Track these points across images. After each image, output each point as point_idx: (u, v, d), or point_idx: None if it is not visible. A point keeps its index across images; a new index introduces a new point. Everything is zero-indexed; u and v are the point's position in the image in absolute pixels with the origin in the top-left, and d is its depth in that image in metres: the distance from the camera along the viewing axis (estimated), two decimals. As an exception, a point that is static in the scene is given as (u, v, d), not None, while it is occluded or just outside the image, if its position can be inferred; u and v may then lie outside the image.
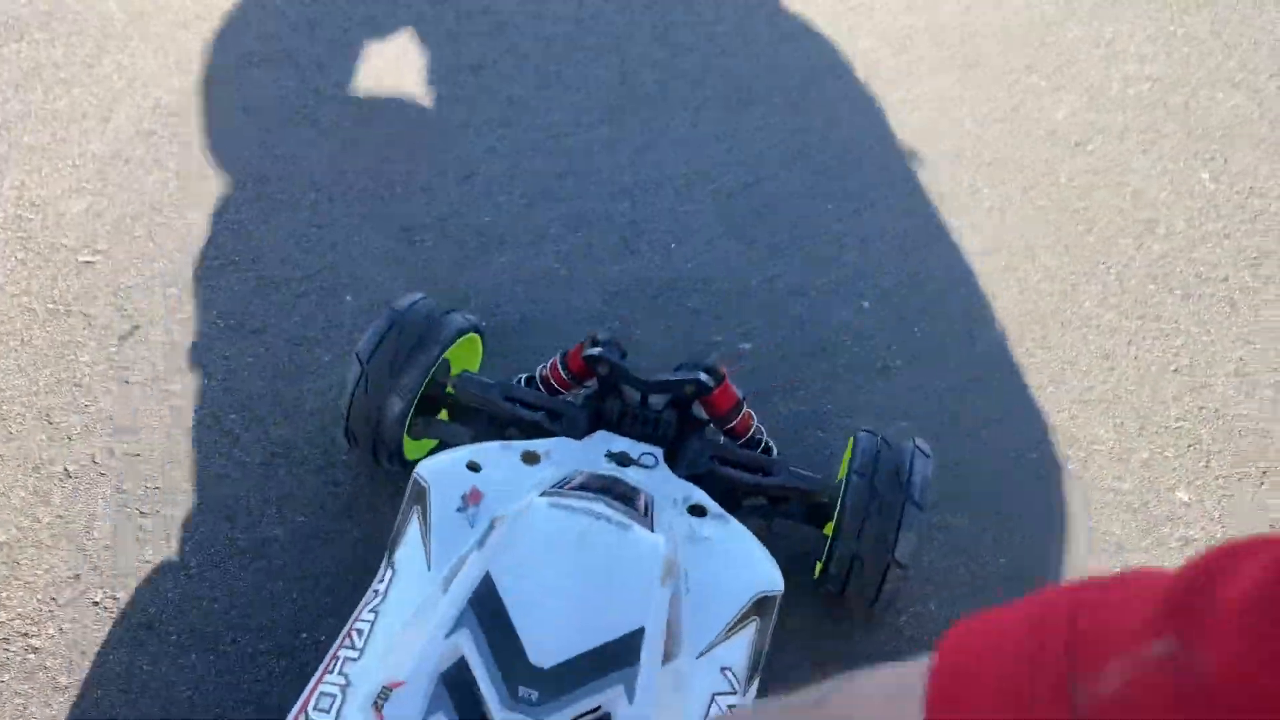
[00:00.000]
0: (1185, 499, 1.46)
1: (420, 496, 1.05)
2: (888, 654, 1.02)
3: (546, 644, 0.83)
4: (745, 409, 1.24)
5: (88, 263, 1.61)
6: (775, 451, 1.31)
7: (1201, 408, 1.56)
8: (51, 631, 1.24)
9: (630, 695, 0.83)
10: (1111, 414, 1.55)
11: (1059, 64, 2.11)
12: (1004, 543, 1.39)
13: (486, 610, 0.85)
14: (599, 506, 0.93)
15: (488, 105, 1.94)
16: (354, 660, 0.92)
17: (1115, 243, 1.78)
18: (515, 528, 0.91)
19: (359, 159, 1.83)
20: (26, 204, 1.69)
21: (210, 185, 1.75)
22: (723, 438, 1.28)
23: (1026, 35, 2.16)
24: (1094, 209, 1.84)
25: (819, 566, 1.22)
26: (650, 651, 0.85)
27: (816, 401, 1.53)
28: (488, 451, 1.10)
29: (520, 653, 0.83)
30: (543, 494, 0.95)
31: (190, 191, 1.74)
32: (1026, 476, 1.48)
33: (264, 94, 1.92)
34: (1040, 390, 1.58)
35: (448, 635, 0.84)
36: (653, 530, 0.95)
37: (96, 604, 1.27)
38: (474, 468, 1.08)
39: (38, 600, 1.26)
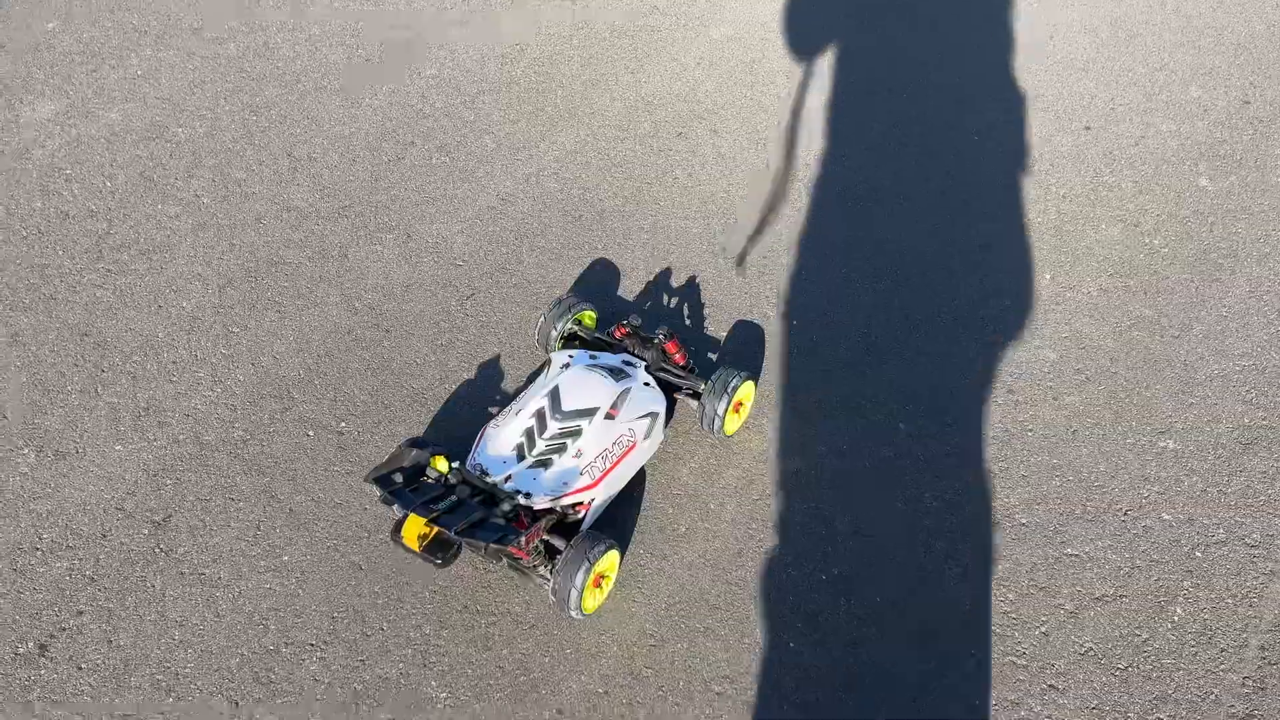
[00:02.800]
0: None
1: (547, 364, 2.99)
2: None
3: (568, 403, 2.73)
4: (679, 352, 3.05)
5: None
6: (695, 369, 3.10)
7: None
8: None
9: (590, 423, 2.70)
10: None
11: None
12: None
13: (553, 391, 2.77)
14: (600, 371, 2.81)
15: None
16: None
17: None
18: (570, 369, 2.82)
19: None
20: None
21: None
22: (668, 362, 3.06)
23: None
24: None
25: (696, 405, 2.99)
26: (600, 415, 2.70)
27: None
28: (578, 353, 3.01)
29: (560, 403, 2.73)
30: (585, 365, 2.86)
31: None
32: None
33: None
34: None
35: (543, 394, 2.77)
36: (617, 383, 2.81)
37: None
38: (569, 355, 2.99)
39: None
